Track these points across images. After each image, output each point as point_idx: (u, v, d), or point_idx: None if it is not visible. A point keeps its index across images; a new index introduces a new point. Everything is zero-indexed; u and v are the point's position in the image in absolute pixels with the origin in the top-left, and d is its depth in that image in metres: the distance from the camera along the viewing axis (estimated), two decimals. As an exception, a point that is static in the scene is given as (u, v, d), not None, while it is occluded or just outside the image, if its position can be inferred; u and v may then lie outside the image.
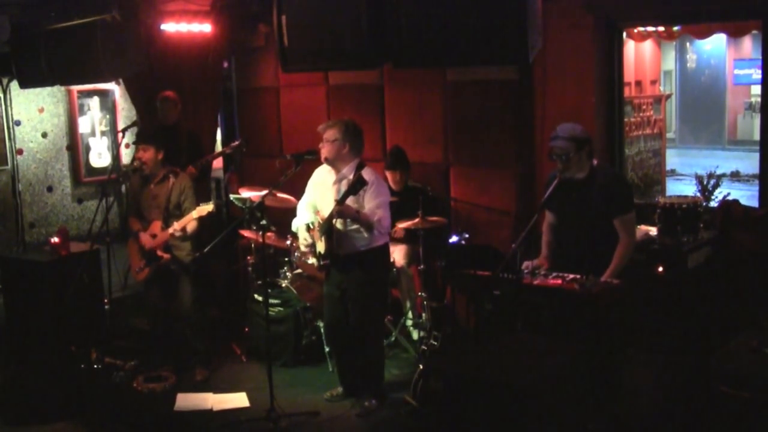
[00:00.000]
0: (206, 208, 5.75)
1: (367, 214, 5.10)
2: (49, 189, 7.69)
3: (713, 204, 7.09)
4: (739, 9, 5.77)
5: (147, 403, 5.69)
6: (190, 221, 5.79)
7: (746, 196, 9.40)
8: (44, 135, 7.62)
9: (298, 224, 5.53)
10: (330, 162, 5.26)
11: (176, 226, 5.76)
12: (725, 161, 15.51)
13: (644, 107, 11.06)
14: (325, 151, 5.22)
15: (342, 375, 5.63)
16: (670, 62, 20.04)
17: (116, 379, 5.99)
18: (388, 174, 6.38)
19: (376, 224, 5.11)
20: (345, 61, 5.38)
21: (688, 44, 20.31)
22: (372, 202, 5.13)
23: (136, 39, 6.21)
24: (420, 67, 5.87)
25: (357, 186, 4.94)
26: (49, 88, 7.44)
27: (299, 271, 6.35)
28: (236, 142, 6.92)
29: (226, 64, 8.20)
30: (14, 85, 7.07)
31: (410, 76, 6.78)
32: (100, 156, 8.02)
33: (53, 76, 6.50)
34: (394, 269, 6.23)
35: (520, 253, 4.57)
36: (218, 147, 8.22)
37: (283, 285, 6.48)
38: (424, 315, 6.09)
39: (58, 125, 7.73)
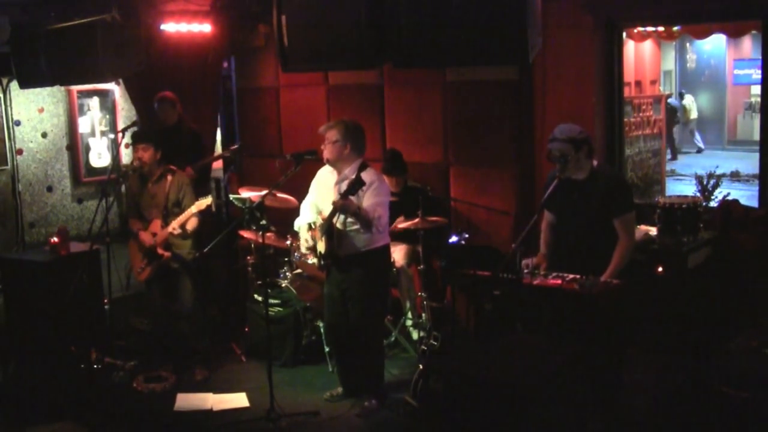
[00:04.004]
0: (205, 201, 5.77)
1: (367, 210, 5.11)
2: (49, 189, 7.69)
3: (713, 204, 7.08)
4: (738, 9, 5.78)
5: (147, 403, 5.68)
6: (188, 217, 5.80)
7: (746, 196, 9.38)
8: (44, 135, 7.61)
9: (299, 224, 5.55)
10: (332, 163, 5.28)
11: (174, 224, 5.77)
12: (725, 161, 15.49)
13: (644, 107, 11.06)
14: (326, 152, 5.23)
15: (342, 375, 5.63)
16: (670, 62, 19.98)
17: (116, 379, 5.99)
18: (386, 178, 6.37)
19: (375, 221, 5.11)
20: (345, 61, 5.37)
21: (688, 44, 20.26)
22: (371, 200, 5.13)
23: (136, 39, 6.21)
24: (420, 67, 5.86)
25: (356, 186, 4.94)
26: (49, 88, 7.44)
27: (299, 271, 6.35)
28: (235, 146, 6.85)
29: (226, 64, 8.19)
30: (14, 85, 7.07)
31: (410, 76, 6.78)
32: (99, 156, 8.02)
33: (53, 76, 6.49)
34: (394, 269, 6.23)
35: (519, 253, 4.58)
36: (218, 147, 8.22)
37: (283, 285, 6.48)
38: (424, 315, 6.10)
39: (58, 125, 7.72)
